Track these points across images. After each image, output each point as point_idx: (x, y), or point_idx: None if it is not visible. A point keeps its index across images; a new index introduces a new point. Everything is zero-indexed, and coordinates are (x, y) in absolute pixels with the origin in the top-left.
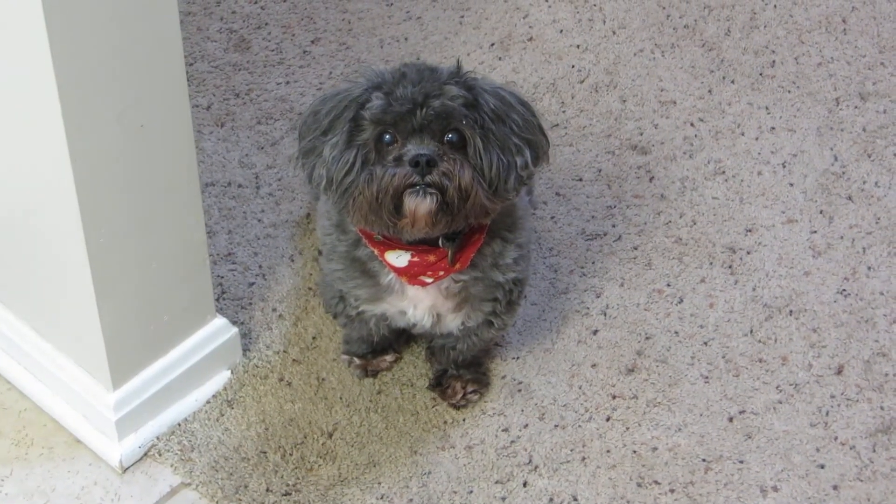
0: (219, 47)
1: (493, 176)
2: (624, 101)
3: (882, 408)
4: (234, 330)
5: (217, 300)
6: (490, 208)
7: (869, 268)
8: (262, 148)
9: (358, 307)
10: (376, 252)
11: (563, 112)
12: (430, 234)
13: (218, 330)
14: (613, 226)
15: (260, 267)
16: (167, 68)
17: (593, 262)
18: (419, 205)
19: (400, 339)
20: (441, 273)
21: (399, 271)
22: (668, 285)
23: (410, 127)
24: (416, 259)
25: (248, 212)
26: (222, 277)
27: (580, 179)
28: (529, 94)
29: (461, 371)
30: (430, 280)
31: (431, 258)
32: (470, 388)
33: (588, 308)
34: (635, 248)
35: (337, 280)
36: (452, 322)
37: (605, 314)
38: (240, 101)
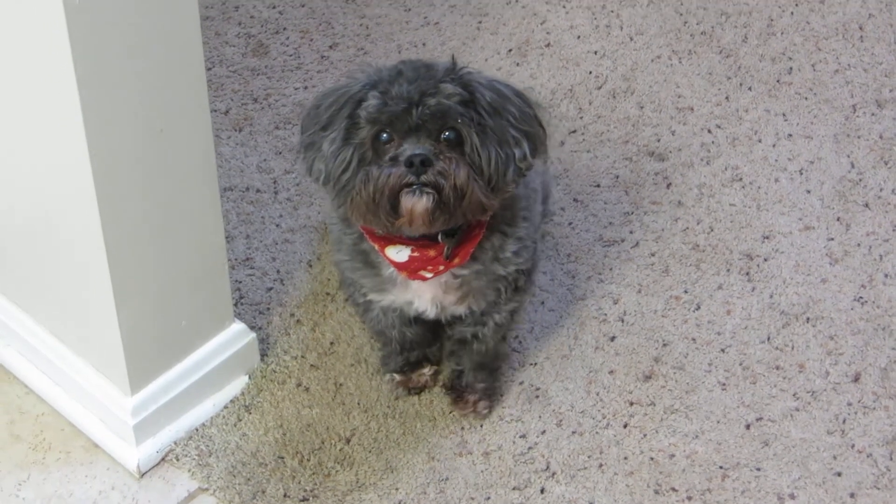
0: (237, 52)
1: (491, 171)
2: (641, 107)
3: None
4: (252, 335)
5: (235, 305)
6: (487, 205)
7: (886, 275)
8: (280, 153)
9: (366, 295)
10: (377, 247)
11: (581, 118)
12: (429, 232)
13: (236, 335)
14: (631, 232)
15: (278, 272)
16: (187, 72)
17: (611, 269)
18: (415, 204)
19: (432, 345)
20: (441, 268)
21: (399, 266)
22: (686, 292)
23: (407, 126)
24: (415, 254)
25: (267, 216)
26: (240, 282)
27: (598, 185)
28: (547, 99)
29: (477, 375)
30: (429, 275)
31: (431, 253)
32: (482, 406)
33: (605, 314)
34: (653, 255)
35: (344, 269)
36: (457, 311)
37: (622, 320)
38: (258, 106)
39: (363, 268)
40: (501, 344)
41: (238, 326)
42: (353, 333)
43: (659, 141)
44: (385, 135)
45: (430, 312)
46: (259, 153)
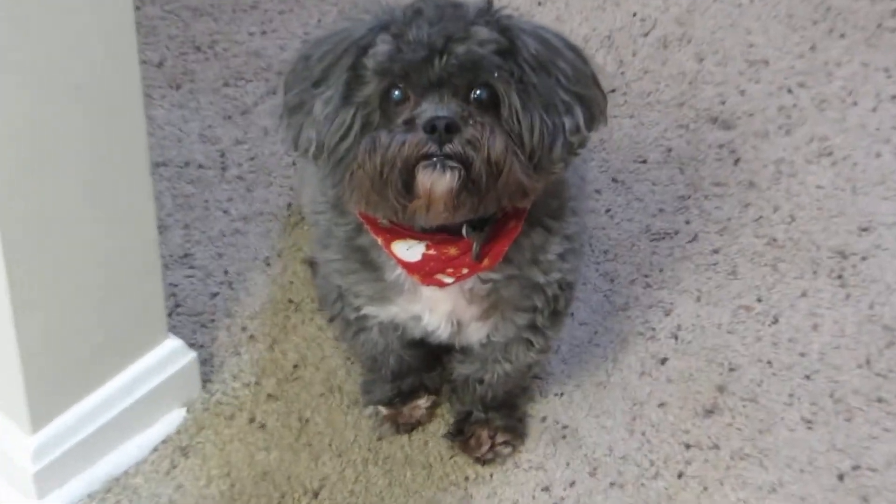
0: None
1: (534, 144)
2: (701, 59)
3: None
4: (192, 354)
5: (170, 316)
6: (529, 187)
7: None
8: (230, 117)
9: (360, 308)
10: (381, 242)
11: (622, 74)
12: (451, 221)
13: (170, 354)
14: (687, 222)
15: (226, 273)
16: (109, 11)
17: (661, 270)
18: (436, 182)
19: (432, 370)
20: (464, 271)
21: (410, 267)
22: (759, 300)
23: (426, 80)
24: (431, 252)
25: (212, 200)
26: (177, 286)
27: (644, 161)
28: None
29: (490, 415)
30: (449, 280)
31: (452, 251)
32: (500, 439)
33: (654, 329)
34: (716, 252)
35: (333, 273)
36: (477, 332)
37: (675, 337)
38: (201, 57)
39: (360, 270)
40: (522, 380)
41: (173, 343)
42: (322, 353)
43: (724, 103)
44: (398, 91)
45: (443, 332)
46: (202, 118)
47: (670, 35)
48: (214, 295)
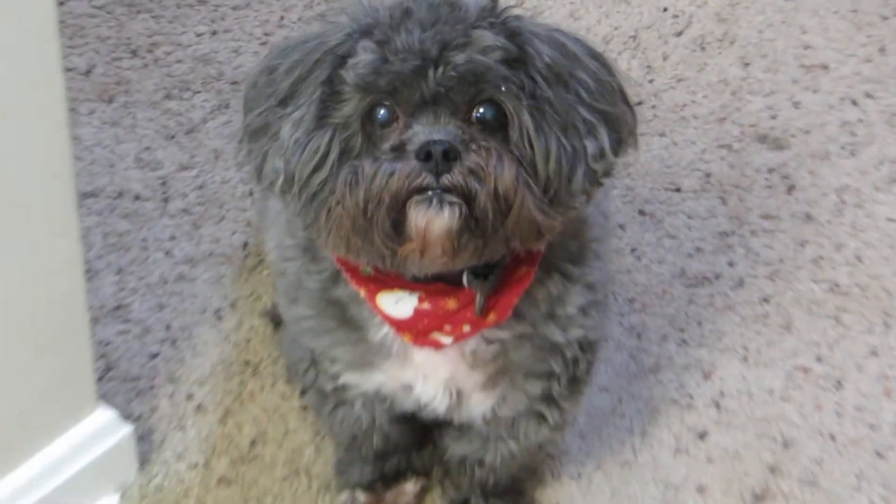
0: None
1: (550, 173)
2: (746, 64)
3: None
4: (128, 428)
5: (100, 381)
6: (545, 226)
7: None
8: (173, 137)
9: (338, 377)
10: (363, 294)
11: (651, 82)
12: (451, 268)
13: (100, 428)
14: (731, 264)
15: (168, 328)
16: (26, 7)
17: (699, 323)
18: (432, 221)
19: (421, 448)
20: (466, 329)
21: (399, 325)
22: (819, 360)
23: (419, 96)
24: (425, 306)
25: (151, 239)
26: (108, 344)
27: (677, 189)
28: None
29: (490, 501)
30: (447, 339)
31: (451, 304)
32: None
33: (691, 396)
34: (765, 301)
35: (305, 333)
36: (480, 405)
37: (717, 406)
38: (138, 63)
39: (337, 329)
40: (531, 461)
41: (104, 415)
42: (286, 427)
43: (775, 118)
44: (384, 110)
45: (440, 405)
46: (139, 137)
47: (709, 34)
48: (154, 355)
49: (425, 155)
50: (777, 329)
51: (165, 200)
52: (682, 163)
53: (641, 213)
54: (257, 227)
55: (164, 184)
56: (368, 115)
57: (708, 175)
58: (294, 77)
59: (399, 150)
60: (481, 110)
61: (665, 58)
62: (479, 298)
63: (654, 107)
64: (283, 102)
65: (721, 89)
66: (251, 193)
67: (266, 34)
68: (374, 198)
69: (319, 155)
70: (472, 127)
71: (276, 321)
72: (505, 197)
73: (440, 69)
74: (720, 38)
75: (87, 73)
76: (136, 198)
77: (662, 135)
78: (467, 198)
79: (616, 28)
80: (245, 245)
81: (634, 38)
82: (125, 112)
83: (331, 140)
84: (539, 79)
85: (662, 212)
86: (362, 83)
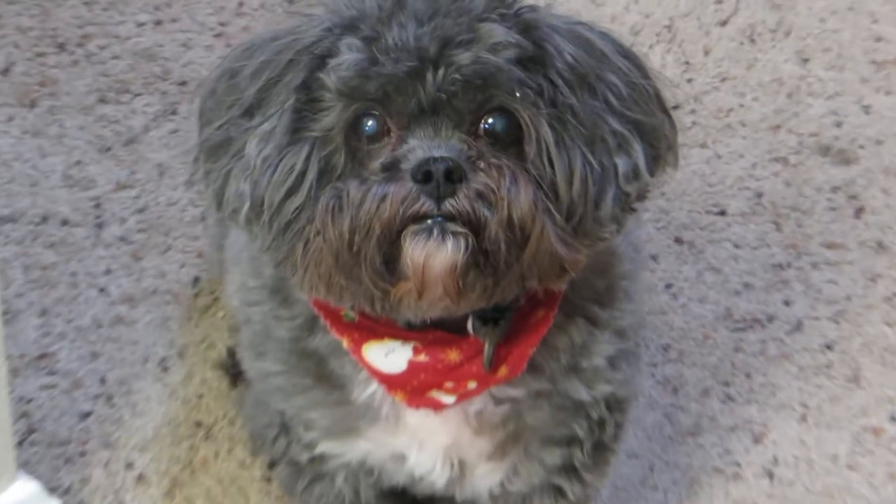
0: None
1: (573, 196)
2: (805, 60)
3: None
4: (54, 503)
5: (20, 445)
6: (568, 260)
7: None
8: (109, 149)
9: (314, 446)
10: (346, 344)
11: (689, 82)
12: (454, 312)
13: (21, 503)
14: (786, 303)
15: (102, 381)
16: None
17: (747, 375)
18: (432, 256)
19: None
20: (471, 386)
21: (390, 381)
22: (894, 419)
23: (415, 105)
24: (422, 359)
25: (82, 273)
26: (31, 401)
27: (722, 213)
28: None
29: None
30: (448, 399)
31: (453, 356)
32: None
33: (738, 465)
34: (829, 347)
35: (274, 392)
36: (487, 478)
37: (770, 475)
38: (66, 59)
39: (314, 388)
40: None
41: (25, 487)
42: (246, 501)
43: (839, 126)
44: (372, 121)
45: (439, 478)
46: (68, 150)
47: (760, 24)
48: (86, 415)
49: (423, 175)
50: (842, 382)
51: (99, 226)
52: (727, 180)
53: (678, 241)
54: (212, 260)
55: (97, 206)
56: (354, 128)
57: (759, 195)
58: (262, 82)
59: (392, 170)
60: (491, 121)
61: (707, 52)
62: (487, 349)
63: (693, 112)
64: (249, 112)
65: (775, 90)
66: (204, 218)
67: (221, 24)
68: (362, 228)
69: (294, 176)
70: (479, 141)
71: (234, 374)
72: (520, 226)
73: (440, 71)
74: (773, 29)
75: (5, 71)
76: (64, 223)
77: (704, 146)
78: (475, 227)
79: (647, 16)
80: (196, 281)
81: (669, 28)
82: (51, 119)
83: (308, 157)
84: (560, 82)
85: (704, 240)
86: (346, 89)
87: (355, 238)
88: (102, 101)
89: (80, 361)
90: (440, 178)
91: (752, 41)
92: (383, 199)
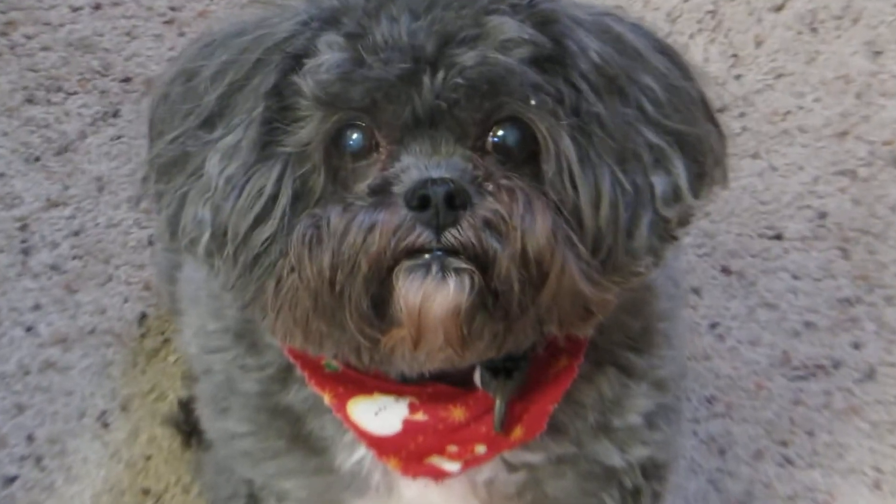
0: None
1: (601, 224)
2: (877, 53)
3: None
4: None
5: None
6: (594, 301)
7: None
8: (38, 159)
9: None
10: (328, 400)
11: (737, 79)
12: (457, 364)
13: None
14: (856, 346)
15: (30, 439)
16: None
17: (809, 433)
18: (431, 297)
19: None
20: (479, 450)
21: (382, 445)
22: None
23: (409, 115)
24: (420, 418)
25: (5, 309)
26: None
27: (778, 237)
28: None
29: None
30: (452, 466)
31: (457, 415)
32: None
33: None
34: None
35: (239, 457)
36: None
37: None
38: None
39: (287, 452)
40: None
41: None
42: None
43: None
44: (358, 135)
45: None
46: None
47: (822, 9)
48: (11, 479)
49: (420, 200)
50: None
51: (26, 252)
52: (783, 197)
53: (725, 271)
54: (162, 294)
55: (23, 228)
56: (335, 142)
57: (822, 215)
58: (224, 86)
59: (381, 194)
60: (500, 133)
61: (758, 43)
62: (498, 405)
63: (742, 115)
64: (209, 123)
65: (841, 89)
66: (152, 243)
67: (172, 8)
68: (346, 264)
69: (263, 200)
70: (486, 158)
71: (187, 432)
72: (536, 261)
73: (440, 74)
74: (838, 15)
75: None
76: None
77: (755, 156)
78: (481, 263)
79: (686, 0)
80: (142, 318)
81: (713, 14)
82: None
83: (280, 178)
84: (584, 86)
85: (756, 269)
86: (326, 95)
87: (338, 276)
88: (30, 101)
89: (4, 415)
90: (440, 204)
91: (813, 30)
92: (371, 229)
